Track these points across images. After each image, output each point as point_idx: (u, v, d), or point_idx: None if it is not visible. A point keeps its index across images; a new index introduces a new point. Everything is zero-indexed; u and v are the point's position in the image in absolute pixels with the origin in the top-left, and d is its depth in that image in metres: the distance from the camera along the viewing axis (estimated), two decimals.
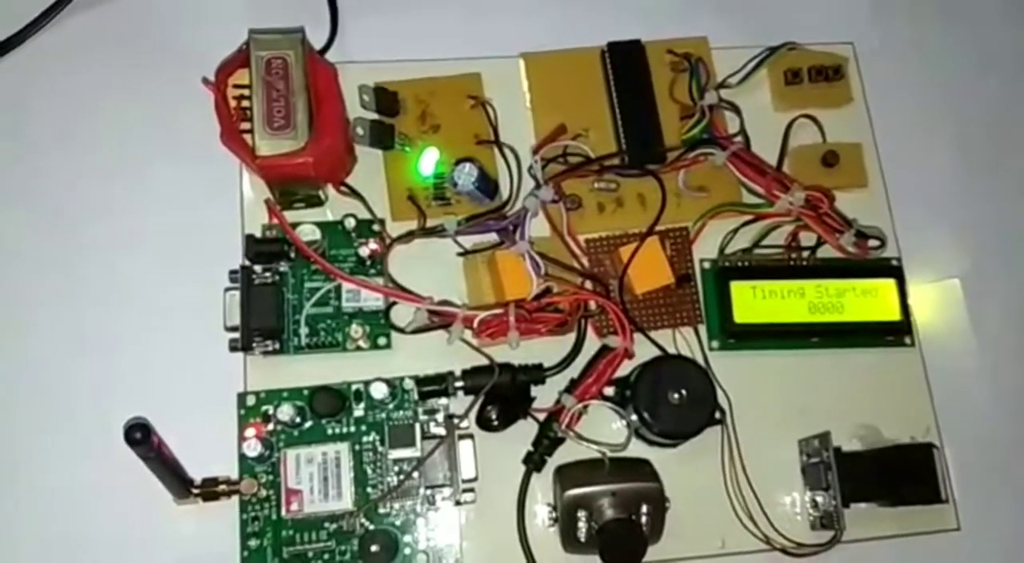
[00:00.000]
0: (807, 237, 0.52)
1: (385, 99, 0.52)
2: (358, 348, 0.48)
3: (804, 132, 0.55)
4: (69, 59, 0.53)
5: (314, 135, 0.46)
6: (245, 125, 0.47)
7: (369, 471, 0.46)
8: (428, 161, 0.51)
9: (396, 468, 0.46)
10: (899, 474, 0.47)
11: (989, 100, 0.58)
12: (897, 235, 0.53)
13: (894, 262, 0.52)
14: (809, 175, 0.53)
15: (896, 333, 0.51)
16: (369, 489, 0.46)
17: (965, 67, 0.59)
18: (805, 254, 0.52)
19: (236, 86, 0.48)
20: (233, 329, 0.47)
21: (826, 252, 0.52)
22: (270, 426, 0.46)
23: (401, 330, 0.48)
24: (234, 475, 0.45)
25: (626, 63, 0.54)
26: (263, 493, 0.45)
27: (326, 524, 0.45)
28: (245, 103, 0.47)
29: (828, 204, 0.50)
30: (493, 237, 0.50)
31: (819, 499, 0.48)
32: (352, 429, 0.47)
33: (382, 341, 0.48)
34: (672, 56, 0.54)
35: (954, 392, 0.51)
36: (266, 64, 0.47)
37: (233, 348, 0.47)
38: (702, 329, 0.51)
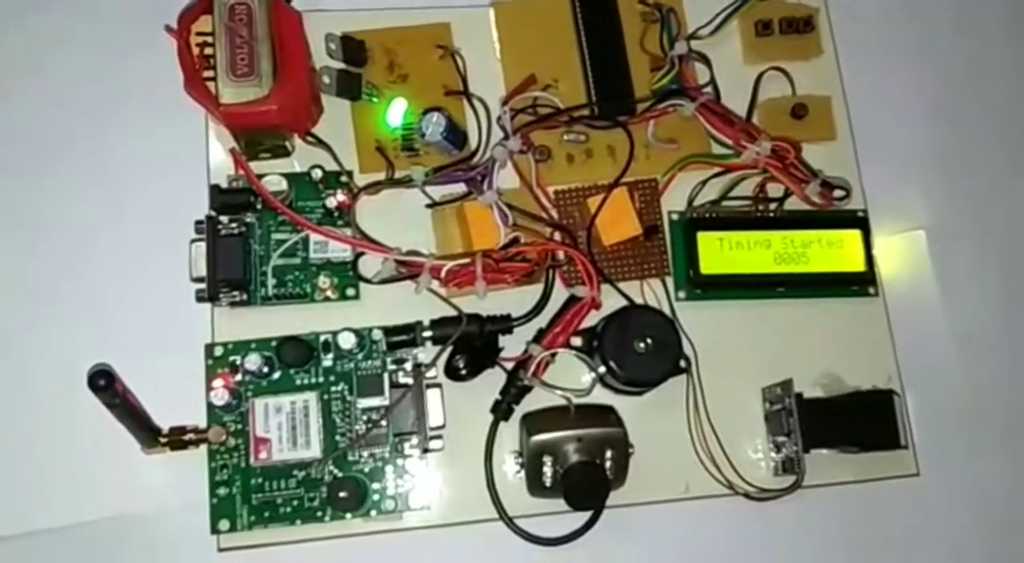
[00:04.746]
0: (775, 189, 0.52)
1: (352, 48, 0.51)
2: (326, 299, 0.48)
3: (774, 84, 0.55)
4: (28, 5, 0.52)
5: (279, 83, 0.45)
6: (209, 73, 0.46)
7: (337, 420, 0.46)
8: (396, 112, 0.51)
9: (364, 417, 0.46)
10: (859, 420, 0.48)
11: (958, 54, 0.58)
12: (864, 187, 0.54)
13: (860, 213, 0.53)
14: (778, 127, 0.53)
15: (860, 283, 0.52)
16: (337, 437, 0.46)
17: (935, 20, 0.59)
18: (772, 206, 0.52)
19: (199, 33, 0.47)
20: (199, 280, 0.47)
21: (793, 204, 0.52)
22: (238, 376, 0.46)
23: (369, 281, 0.48)
24: (202, 425, 0.45)
25: (596, 13, 0.54)
26: (231, 442, 0.45)
27: (295, 472, 0.45)
28: (208, 50, 0.47)
29: (794, 154, 0.50)
30: (462, 188, 0.50)
31: (781, 445, 0.48)
32: (320, 379, 0.47)
33: (350, 292, 0.48)
34: (643, 6, 0.54)
35: (916, 342, 0.52)
36: (229, 10, 0.46)
37: (200, 299, 0.47)
38: (669, 280, 0.51)
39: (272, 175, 0.48)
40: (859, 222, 0.52)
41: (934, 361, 0.53)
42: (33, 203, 0.49)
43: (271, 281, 0.48)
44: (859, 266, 0.51)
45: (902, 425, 0.48)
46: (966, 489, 0.51)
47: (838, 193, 0.52)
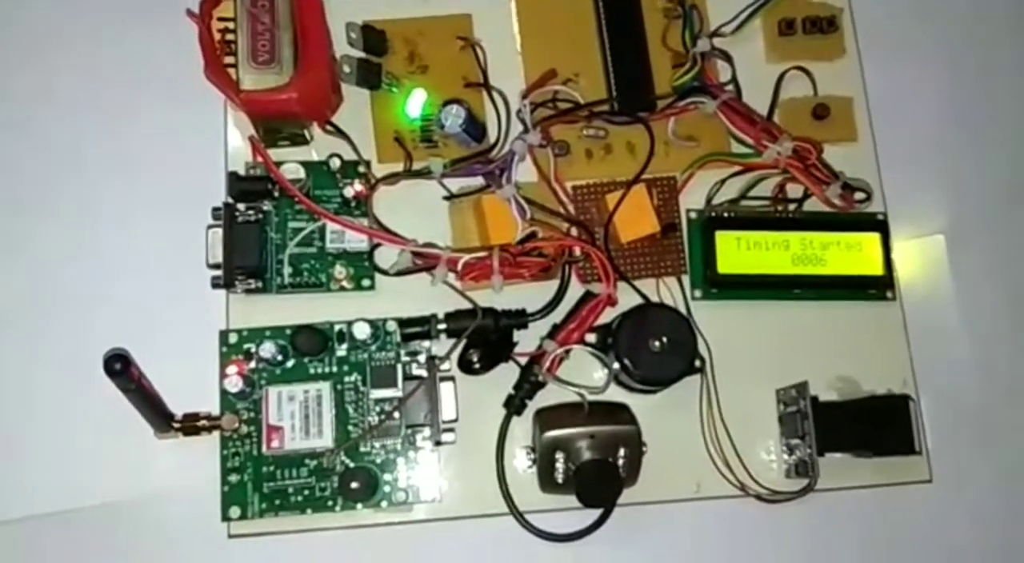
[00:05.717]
0: (794, 190, 0.52)
1: (373, 37, 0.51)
2: (341, 289, 0.48)
3: (796, 84, 0.54)
4: None
5: (299, 71, 0.45)
6: (230, 59, 0.46)
7: (350, 410, 0.46)
8: (415, 102, 0.51)
9: (377, 408, 0.46)
10: (874, 424, 0.48)
11: (982, 58, 0.58)
12: (884, 190, 0.53)
13: (879, 216, 0.52)
14: (799, 128, 0.52)
15: (878, 287, 0.51)
16: (350, 428, 0.46)
17: (958, 24, 0.58)
18: (792, 206, 0.52)
19: (221, 19, 0.47)
20: (215, 266, 0.47)
21: (812, 206, 0.52)
22: (252, 364, 0.46)
23: (385, 272, 0.48)
24: (216, 411, 0.45)
25: (619, 8, 0.53)
26: (244, 429, 0.45)
27: (307, 461, 0.45)
28: (230, 36, 0.47)
29: (815, 155, 0.50)
30: (479, 181, 0.50)
31: (794, 447, 0.48)
32: (334, 368, 0.47)
33: (366, 282, 0.48)
34: (666, 2, 0.53)
35: (933, 347, 0.52)
36: None
37: (215, 285, 0.47)
38: (686, 279, 0.51)
39: (290, 163, 0.48)
40: (878, 225, 0.52)
41: (950, 367, 0.52)
42: (49, 188, 0.49)
43: (287, 269, 0.48)
44: (877, 269, 0.51)
45: (917, 431, 0.48)
46: (979, 496, 0.51)
47: (859, 195, 0.51)
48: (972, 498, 0.51)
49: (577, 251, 0.49)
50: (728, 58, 0.53)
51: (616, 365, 0.47)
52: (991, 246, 0.55)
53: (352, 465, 0.46)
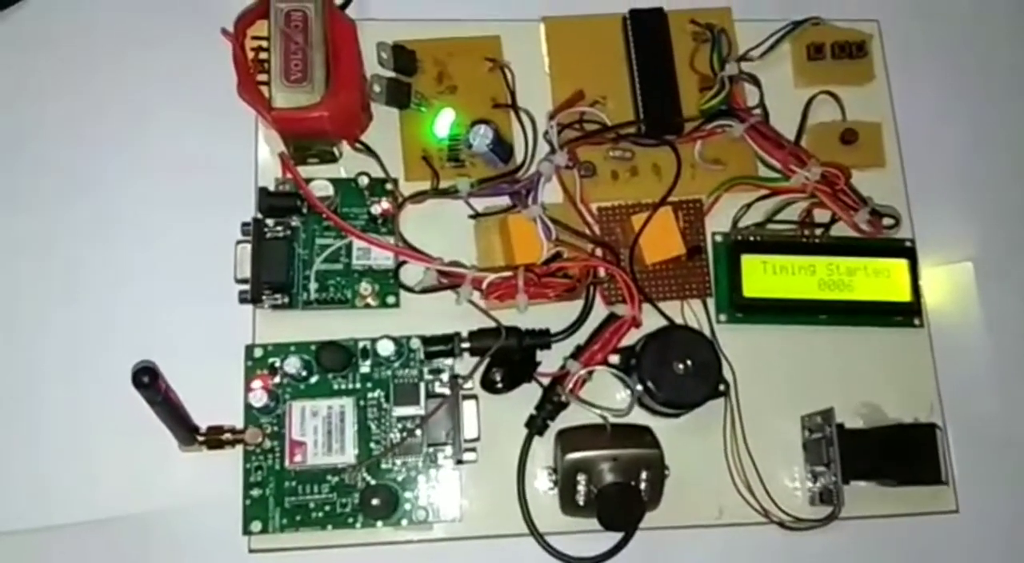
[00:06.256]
0: (821, 214, 0.52)
1: (403, 58, 0.51)
2: (367, 305, 0.48)
3: (824, 109, 0.54)
4: (88, 5, 0.53)
5: (330, 90, 0.46)
6: (263, 77, 0.47)
7: (373, 427, 0.46)
8: (444, 122, 0.51)
9: (399, 425, 0.46)
10: (901, 453, 0.47)
11: (1013, 85, 0.57)
12: (912, 216, 0.53)
13: (907, 243, 0.52)
14: (827, 152, 0.52)
15: (906, 314, 0.51)
16: (372, 445, 0.46)
17: (989, 50, 0.58)
18: (818, 231, 0.52)
19: (255, 38, 0.48)
20: (243, 281, 0.47)
21: (839, 231, 0.52)
22: (277, 379, 0.47)
23: (410, 289, 0.48)
24: (240, 426, 0.46)
25: (647, 31, 0.53)
26: (267, 444, 0.46)
27: (328, 477, 0.45)
28: (263, 55, 0.47)
29: (844, 181, 0.50)
30: (505, 200, 0.50)
31: (819, 475, 0.48)
32: (358, 385, 0.47)
33: (391, 299, 0.49)
34: (694, 26, 0.54)
35: (960, 375, 0.51)
36: (285, 16, 0.47)
37: (243, 300, 0.47)
38: (711, 302, 0.51)
39: (319, 180, 0.49)
40: (906, 252, 0.51)
41: (978, 396, 0.52)
42: (77, 201, 0.50)
43: (313, 285, 0.48)
44: (905, 296, 0.51)
45: (944, 460, 0.47)
46: (1007, 528, 0.50)
47: (887, 222, 0.51)
48: (1000, 530, 0.50)
49: (602, 272, 0.49)
50: (756, 82, 0.53)
51: (639, 387, 0.47)
52: (1020, 274, 0.54)
53: (373, 482, 0.46)
